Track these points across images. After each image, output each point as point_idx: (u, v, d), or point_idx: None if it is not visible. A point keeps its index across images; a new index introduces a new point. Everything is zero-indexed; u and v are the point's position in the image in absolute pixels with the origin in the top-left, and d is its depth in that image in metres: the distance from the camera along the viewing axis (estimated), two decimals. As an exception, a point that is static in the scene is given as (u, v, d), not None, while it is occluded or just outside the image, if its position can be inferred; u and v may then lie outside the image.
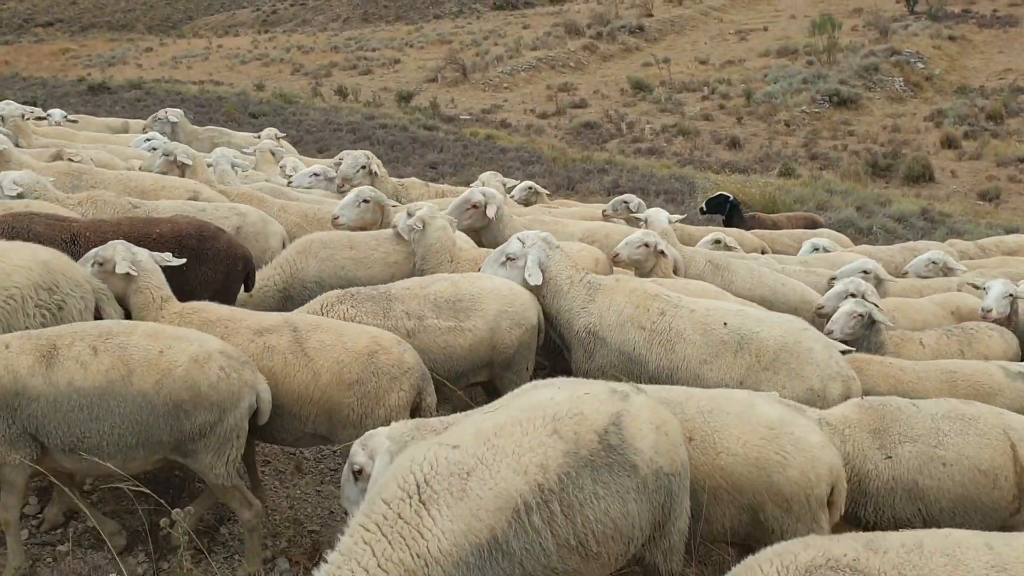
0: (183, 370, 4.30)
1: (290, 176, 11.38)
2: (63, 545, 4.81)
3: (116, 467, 4.31)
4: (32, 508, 5.16)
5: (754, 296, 7.61)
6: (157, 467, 4.60)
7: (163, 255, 5.51)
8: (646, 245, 7.27)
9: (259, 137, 14.48)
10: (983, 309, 7.51)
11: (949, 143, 28.26)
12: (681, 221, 9.67)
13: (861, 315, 6.54)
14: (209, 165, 9.96)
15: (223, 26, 73.35)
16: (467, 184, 10.35)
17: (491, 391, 6.04)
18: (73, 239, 5.75)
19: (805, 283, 8.22)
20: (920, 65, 37.70)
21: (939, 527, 4.65)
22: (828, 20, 40.65)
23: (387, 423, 4.34)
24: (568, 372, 6.00)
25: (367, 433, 4.23)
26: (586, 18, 52.97)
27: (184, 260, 5.64)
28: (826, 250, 10.26)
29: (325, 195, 10.26)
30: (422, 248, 6.81)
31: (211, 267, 6.04)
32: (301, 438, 5.06)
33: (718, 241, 9.70)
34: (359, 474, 4.10)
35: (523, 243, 6.15)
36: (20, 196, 6.64)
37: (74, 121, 14.43)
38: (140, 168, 9.02)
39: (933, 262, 9.45)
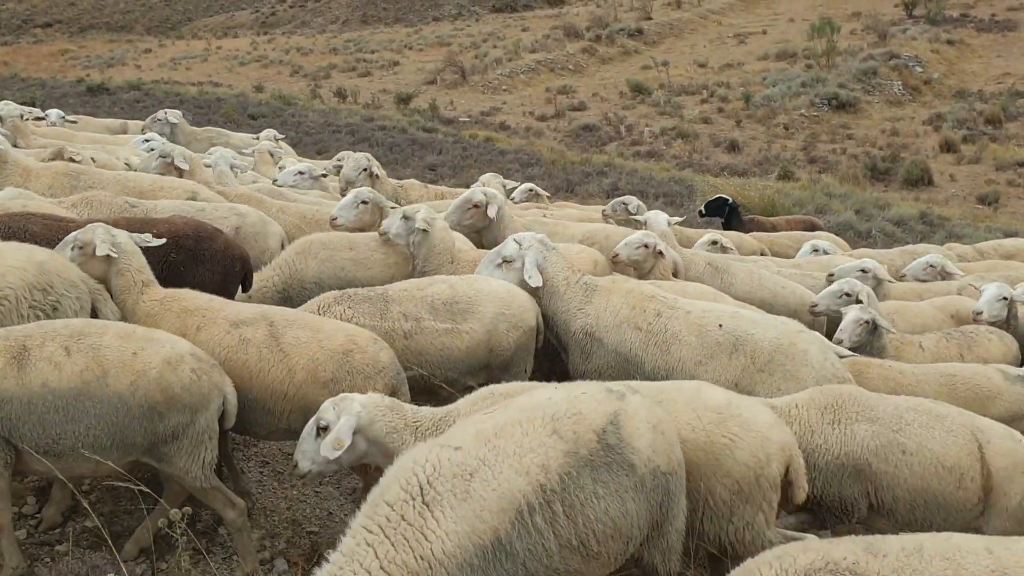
0: (157, 372, 4.28)
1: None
2: (61, 545, 4.79)
3: (88, 470, 4.28)
4: (31, 508, 5.15)
5: (754, 299, 7.60)
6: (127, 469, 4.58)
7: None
8: (645, 246, 7.27)
9: (257, 138, 14.48)
10: (974, 312, 7.52)
11: (948, 147, 28.32)
12: (680, 223, 9.67)
13: (867, 321, 6.55)
14: (208, 166, 9.95)
15: (222, 28, 73.38)
16: (466, 186, 10.35)
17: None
18: (70, 239, 5.72)
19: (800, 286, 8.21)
20: (919, 69, 37.78)
21: (892, 517, 4.71)
22: (827, 24, 40.72)
23: None
24: (565, 374, 6.01)
25: (342, 395, 4.30)
26: (585, 21, 53.06)
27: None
28: (826, 252, 10.25)
29: (322, 196, 10.26)
30: (424, 250, 6.79)
31: (208, 268, 6.02)
32: (275, 432, 5.07)
33: (714, 242, 9.69)
34: (323, 430, 4.15)
35: (520, 245, 6.15)
36: None
37: (73, 122, 14.42)
38: (136, 168, 9.00)
39: (931, 265, 9.46)
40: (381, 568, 3.07)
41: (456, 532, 3.16)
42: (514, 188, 12.06)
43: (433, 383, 5.54)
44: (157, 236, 5.84)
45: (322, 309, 5.61)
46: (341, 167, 11.71)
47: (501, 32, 54.54)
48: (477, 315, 5.73)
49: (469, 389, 5.96)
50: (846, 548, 3.30)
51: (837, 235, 13.00)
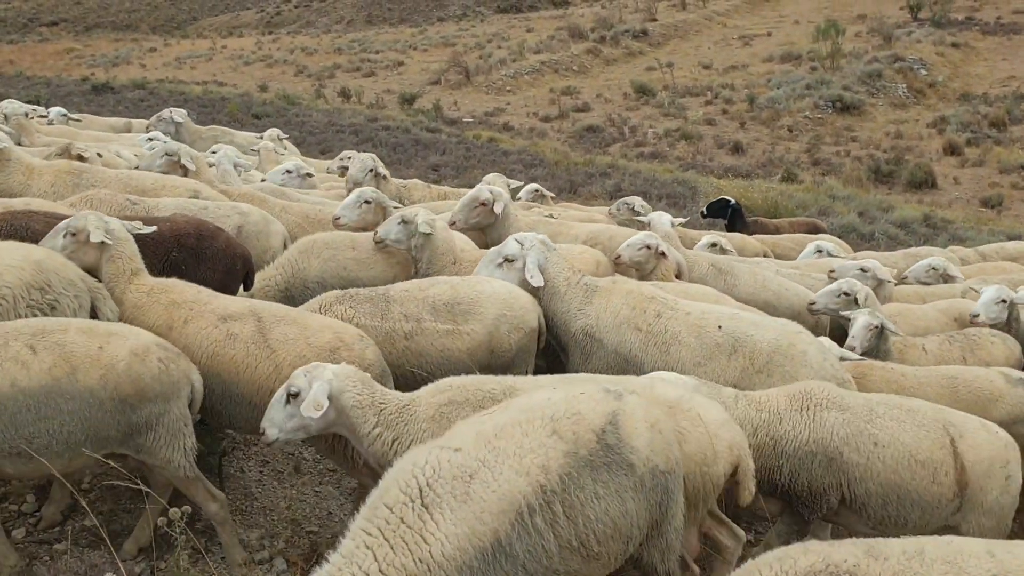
0: (125, 364, 4.27)
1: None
2: (60, 544, 4.79)
3: (61, 467, 4.25)
4: (30, 506, 5.15)
5: (757, 300, 7.60)
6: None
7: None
8: (648, 247, 7.26)
9: (261, 137, 14.48)
10: (971, 314, 7.50)
11: (952, 150, 28.27)
12: (683, 225, 9.67)
13: (877, 326, 6.57)
14: (211, 165, 9.95)
15: (227, 27, 73.45)
16: (469, 186, 10.34)
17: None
18: (72, 237, 5.70)
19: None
20: (923, 72, 37.72)
21: (864, 512, 4.70)
22: (832, 26, 40.70)
23: None
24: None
25: (313, 363, 4.33)
26: (590, 22, 53.04)
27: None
28: (830, 253, 10.25)
29: (325, 195, 10.26)
30: (427, 253, 6.78)
31: (210, 266, 6.02)
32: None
33: (714, 244, 9.69)
34: (294, 397, 4.18)
35: (521, 245, 6.14)
36: None
37: (77, 120, 14.41)
38: (138, 167, 8.99)
39: (933, 268, 9.44)
40: (379, 571, 3.07)
41: (456, 535, 3.15)
42: (519, 188, 12.05)
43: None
44: (159, 234, 5.84)
45: (323, 308, 5.61)
46: (345, 166, 11.73)
47: (506, 33, 54.55)
48: (478, 316, 5.71)
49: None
50: (847, 551, 3.29)
51: (840, 237, 12.99)
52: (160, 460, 4.46)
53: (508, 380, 4.55)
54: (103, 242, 5.15)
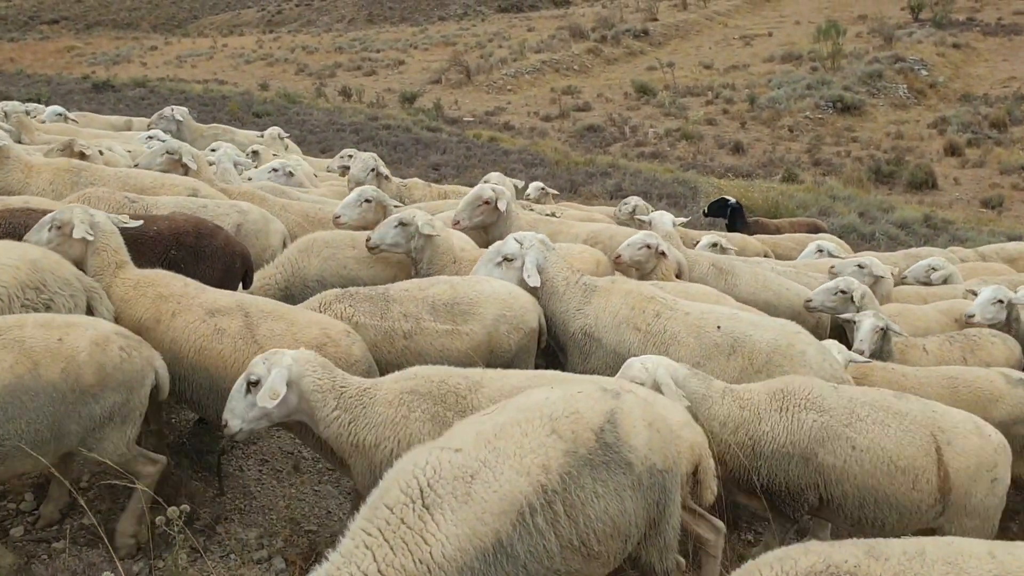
0: (86, 354, 4.22)
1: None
2: (59, 542, 4.77)
3: (28, 468, 4.21)
4: (28, 505, 5.13)
5: (758, 300, 7.59)
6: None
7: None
8: (648, 247, 7.26)
9: (262, 136, 14.47)
10: (967, 314, 7.49)
11: (952, 150, 28.29)
12: (684, 224, 9.67)
13: (882, 328, 6.57)
14: (211, 164, 9.94)
15: (228, 25, 73.45)
16: (470, 186, 10.34)
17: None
18: (69, 235, 5.69)
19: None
20: (924, 72, 37.74)
21: (841, 513, 4.67)
22: (833, 26, 40.72)
23: None
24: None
25: (272, 350, 4.32)
26: (591, 21, 53.06)
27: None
28: (831, 253, 10.26)
29: (325, 194, 10.25)
30: (429, 252, 6.76)
31: (209, 264, 6.01)
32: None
33: (715, 244, 9.69)
34: (254, 385, 4.16)
35: (521, 244, 6.13)
36: None
37: (74, 121, 14.35)
38: (136, 165, 8.97)
39: (933, 268, 9.43)
40: (379, 571, 3.05)
41: (456, 535, 3.14)
42: (524, 186, 12.04)
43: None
44: (158, 233, 5.83)
45: (323, 307, 5.60)
46: (345, 165, 11.73)
47: (507, 32, 54.56)
48: (478, 316, 5.69)
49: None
50: (848, 551, 3.28)
51: (841, 238, 12.97)
52: (107, 452, 4.38)
53: (475, 375, 4.52)
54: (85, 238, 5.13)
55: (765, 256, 10.53)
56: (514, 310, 5.78)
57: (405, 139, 25.81)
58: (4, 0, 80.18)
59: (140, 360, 4.43)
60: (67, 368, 4.16)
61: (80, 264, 5.18)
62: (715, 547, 4.59)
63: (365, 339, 5.45)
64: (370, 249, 6.77)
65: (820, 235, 12.29)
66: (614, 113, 34.72)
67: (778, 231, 13.25)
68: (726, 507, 4.98)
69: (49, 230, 5.20)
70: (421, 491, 3.21)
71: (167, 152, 9.04)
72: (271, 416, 4.25)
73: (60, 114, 14.09)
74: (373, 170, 9.39)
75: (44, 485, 5.12)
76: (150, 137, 11.78)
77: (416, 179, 11.20)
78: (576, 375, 4.67)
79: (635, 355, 5.57)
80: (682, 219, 9.02)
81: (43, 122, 13.57)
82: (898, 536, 4.08)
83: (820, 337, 7.13)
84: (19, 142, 9.41)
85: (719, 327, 5.63)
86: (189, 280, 5.31)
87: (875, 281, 8.03)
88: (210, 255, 6.05)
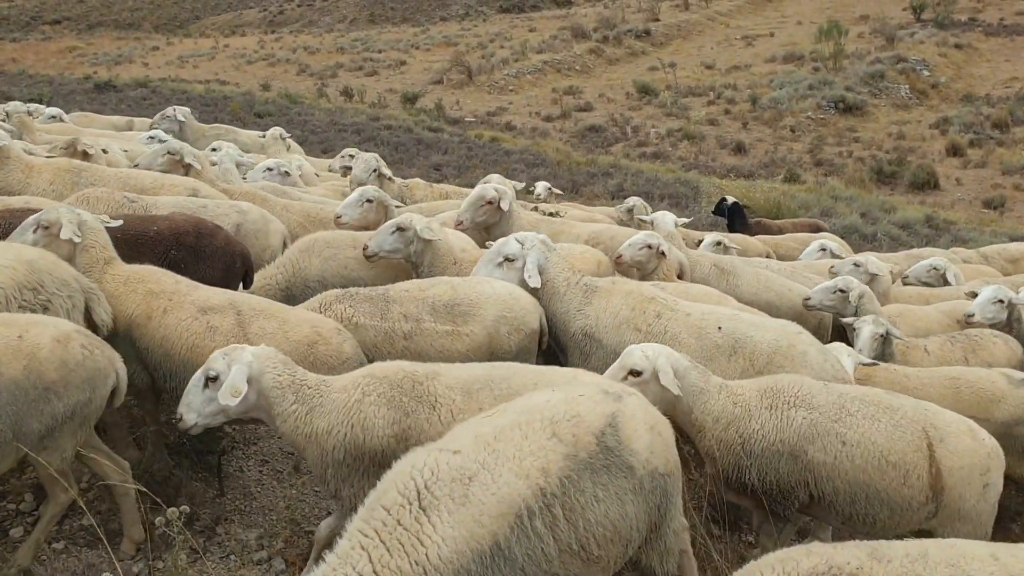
0: (48, 351, 4.14)
1: (297, 173, 11.40)
2: (58, 543, 4.77)
3: None
4: (28, 505, 5.12)
5: (760, 300, 7.58)
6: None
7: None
8: (648, 247, 7.25)
9: (263, 136, 14.47)
10: (967, 314, 7.47)
11: (954, 151, 28.28)
12: (686, 225, 9.67)
13: (882, 334, 6.56)
14: (213, 163, 9.93)
15: (230, 26, 73.48)
16: (470, 186, 10.34)
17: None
18: (70, 236, 5.68)
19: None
20: (926, 73, 37.72)
21: (832, 510, 4.62)
22: (835, 27, 40.71)
23: None
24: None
25: (232, 345, 4.30)
26: (592, 22, 53.07)
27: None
28: (833, 252, 10.26)
29: (326, 194, 10.24)
30: (429, 256, 6.74)
31: (209, 264, 6.00)
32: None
33: (718, 243, 9.69)
34: (212, 381, 4.15)
35: (522, 244, 6.11)
36: None
37: (64, 123, 14.26)
38: (137, 165, 8.96)
39: (935, 268, 9.41)
40: (374, 572, 3.04)
41: (453, 538, 3.12)
42: (521, 189, 12.03)
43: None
44: (158, 233, 5.82)
45: (323, 307, 5.59)
46: (347, 165, 11.72)
47: (508, 32, 54.56)
48: (478, 317, 5.67)
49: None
50: (850, 553, 3.26)
51: (842, 238, 12.94)
52: (55, 455, 4.27)
53: (434, 365, 4.52)
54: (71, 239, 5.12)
55: (767, 257, 10.52)
56: (515, 311, 5.76)
57: (407, 139, 25.80)
58: (6, 0, 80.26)
59: (102, 358, 4.36)
60: (29, 365, 4.09)
61: (67, 263, 5.15)
62: (684, 541, 4.50)
63: (365, 340, 5.44)
64: (368, 258, 6.70)
65: (822, 235, 12.28)
66: (616, 113, 34.71)
67: (780, 232, 13.24)
68: (727, 507, 4.97)
69: (34, 231, 5.19)
70: (418, 493, 3.20)
71: (168, 152, 9.03)
72: (228, 412, 4.22)
73: (54, 116, 14.07)
74: (375, 170, 9.39)
75: (43, 486, 5.11)
76: (151, 137, 11.77)
77: (417, 179, 11.20)
78: (538, 367, 4.60)
79: (636, 356, 5.59)
80: (684, 219, 9.02)
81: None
82: (891, 536, 4.08)
83: (822, 338, 7.13)
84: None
85: (720, 328, 5.62)
86: (180, 277, 5.30)
87: (871, 279, 8.02)
88: (210, 255, 6.03)
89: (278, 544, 5.09)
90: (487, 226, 7.56)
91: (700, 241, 10.06)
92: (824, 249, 10.45)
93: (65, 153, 8.91)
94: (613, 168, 23.26)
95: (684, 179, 22.22)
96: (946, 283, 9.27)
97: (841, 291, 7.26)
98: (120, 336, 5.05)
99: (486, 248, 6.76)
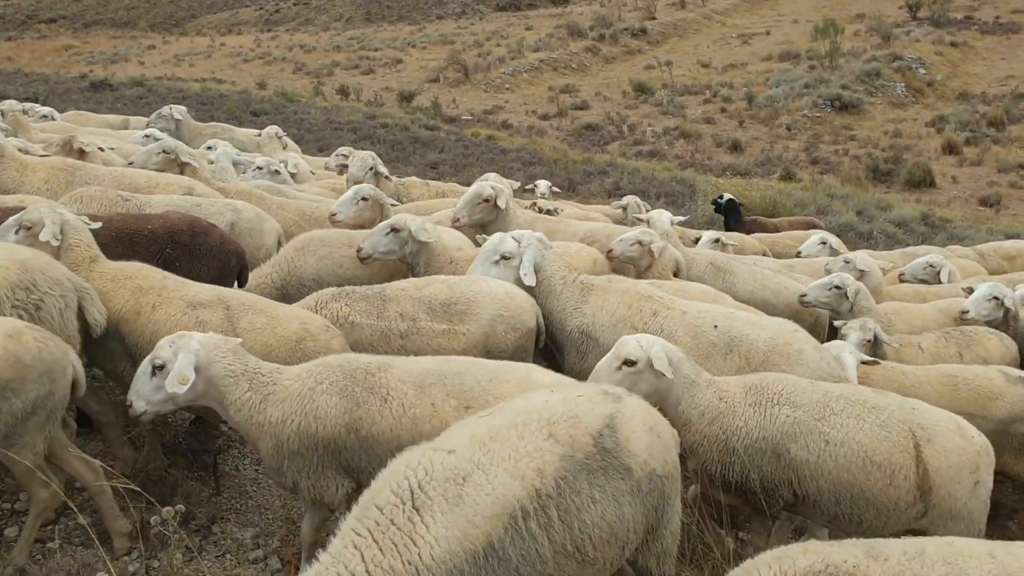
0: (0, 348, 4.07)
1: (293, 172, 11.38)
2: (53, 542, 4.76)
3: None
4: (23, 504, 5.11)
5: (755, 299, 7.58)
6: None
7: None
8: (639, 243, 7.28)
9: (259, 135, 14.44)
10: (961, 310, 7.47)
11: (950, 149, 28.28)
12: (682, 224, 9.68)
13: (870, 340, 6.57)
14: (210, 162, 9.91)
15: (226, 24, 73.38)
16: (467, 184, 10.32)
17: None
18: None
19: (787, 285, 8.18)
20: (922, 71, 37.75)
21: (817, 509, 4.60)
22: (831, 25, 40.72)
23: None
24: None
25: (179, 333, 4.30)
26: (589, 20, 53.05)
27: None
28: (832, 247, 10.28)
29: (321, 192, 10.23)
30: (425, 257, 6.72)
31: (204, 263, 5.99)
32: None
33: (717, 240, 9.71)
34: (159, 369, 4.15)
35: (518, 242, 6.10)
36: None
37: (54, 119, 14.19)
38: (131, 163, 8.92)
39: (930, 265, 9.41)
40: (367, 571, 3.03)
41: (446, 538, 3.11)
42: (517, 188, 12.03)
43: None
44: (153, 231, 5.80)
45: (319, 306, 5.58)
46: (343, 164, 11.69)
47: (505, 31, 54.54)
48: (475, 316, 5.66)
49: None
50: (847, 551, 3.26)
51: (838, 236, 12.89)
52: (22, 451, 4.20)
53: (387, 357, 4.53)
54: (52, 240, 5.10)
55: (764, 255, 10.53)
56: (511, 310, 5.75)
57: (403, 138, 25.77)
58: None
59: (57, 350, 4.30)
60: None
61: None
62: None
63: (361, 339, 5.43)
64: (362, 259, 6.67)
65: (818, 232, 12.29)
66: (612, 112, 34.70)
67: (776, 230, 13.25)
68: (725, 506, 4.96)
69: (16, 232, 5.17)
70: (412, 492, 3.19)
71: (163, 151, 8.99)
72: (176, 400, 4.23)
73: (45, 116, 14.02)
74: (371, 169, 9.37)
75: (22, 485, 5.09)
76: (146, 136, 11.73)
77: (414, 178, 11.19)
78: (494, 363, 4.58)
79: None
80: (680, 217, 9.03)
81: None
82: (879, 535, 4.07)
83: (818, 336, 7.13)
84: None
85: (716, 326, 5.62)
86: (167, 273, 5.31)
87: (861, 275, 8.04)
88: (205, 253, 6.02)
89: (274, 543, 5.08)
90: (483, 224, 7.55)
91: (697, 239, 10.07)
92: (824, 243, 10.47)
93: (61, 152, 8.88)
94: (609, 166, 23.25)
95: (680, 177, 22.22)
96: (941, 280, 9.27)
97: (837, 288, 7.27)
98: (109, 333, 5.03)
99: (478, 243, 6.76)
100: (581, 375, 5.64)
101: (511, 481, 3.28)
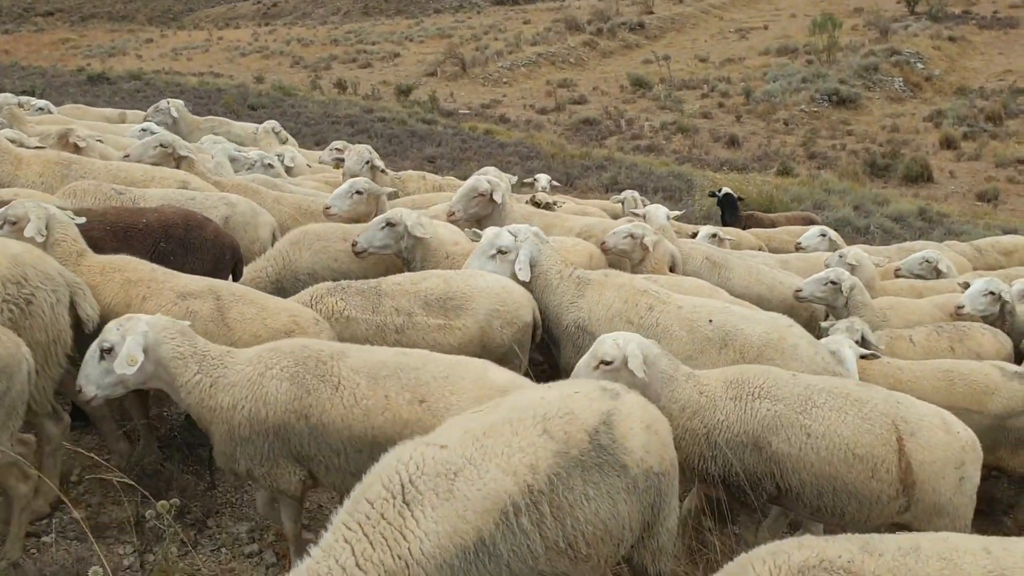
0: None
1: (290, 166, 11.36)
2: (47, 536, 4.75)
3: None
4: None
5: (751, 293, 7.58)
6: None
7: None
8: (632, 236, 7.30)
9: (258, 130, 14.41)
10: (957, 305, 7.47)
11: (948, 144, 28.30)
12: (678, 218, 9.68)
13: (858, 341, 6.54)
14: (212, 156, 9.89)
15: (223, 18, 73.25)
16: (464, 179, 10.32)
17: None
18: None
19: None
20: (920, 65, 37.73)
21: (800, 502, 4.58)
22: (828, 19, 40.71)
23: None
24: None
25: (127, 315, 4.28)
26: (587, 14, 53.02)
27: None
28: (832, 241, 10.30)
29: (317, 186, 10.21)
30: (421, 252, 6.70)
31: (198, 256, 5.97)
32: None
33: (714, 235, 9.72)
34: (108, 352, 4.13)
35: (515, 237, 6.09)
36: None
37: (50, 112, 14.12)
38: (126, 157, 8.88)
39: (927, 260, 9.40)
40: (357, 566, 3.02)
41: (436, 532, 3.10)
42: (515, 182, 12.01)
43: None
44: (147, 225, 5.79)
45: (315, 300, 5.57)
46: (339, 158, 11.67)
47: (502, 24, 54.48)
48: (471, 311, 5.64)
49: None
50: (841, 546, 3.24)
51: (835, 231, 12.94)
52: None
53: (342, 345, 4.51)
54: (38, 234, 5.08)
55: (760, 250, 10.53)
56: (508, 304, 5.74)
57: (400, 132, 25.74)
58: (-2, -8, 79.91)
59: (11, 344, 4.21)
60: None
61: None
62: None
63: (356, 334, 5.42)
64: (357, 254, 6.64)
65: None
66: (610, 106, 34.70)
67: (773, 225, 13.26)
68: (718, 500, 4.95)
69: (1, 227, 5.14)
70: (402, 487, 3.17)
71: (160, 144, 8.96)
72: (127, 383, 4.21)
73: (41, 108, 13.97)
74: (368, 162, 9.36)
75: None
76: (143, 130, 11.69)
77: (411, 171, 11.18)
78: (452, 357, 4.55)
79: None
80: (676, 212, 9.03)
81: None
82: (868, 529, 4.05)
83: (813, 330, 7.12)
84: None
85: (711, 321, 5.61)
86: (156, 266, 5.30)
87: (852, 269, 8.05)
88: (199, 247, 6.00)
89: (269, 537, 5.08)
90: (479, 218, 7.53)
91: (694, 234, 10.07)
92: (824, 235, 10.49)
93: (57, 145, 8.85)
94: (607, 161, 23.25)
95: (678, 172, 22.23)
96: (939, 275, 9.26)
97: (832, 283, 7.26)
98: (99, 327, 5.01)
99: (473, 238, 6.74)
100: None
101: (503, 476, 3.26)
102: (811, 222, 13.44)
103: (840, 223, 16.16)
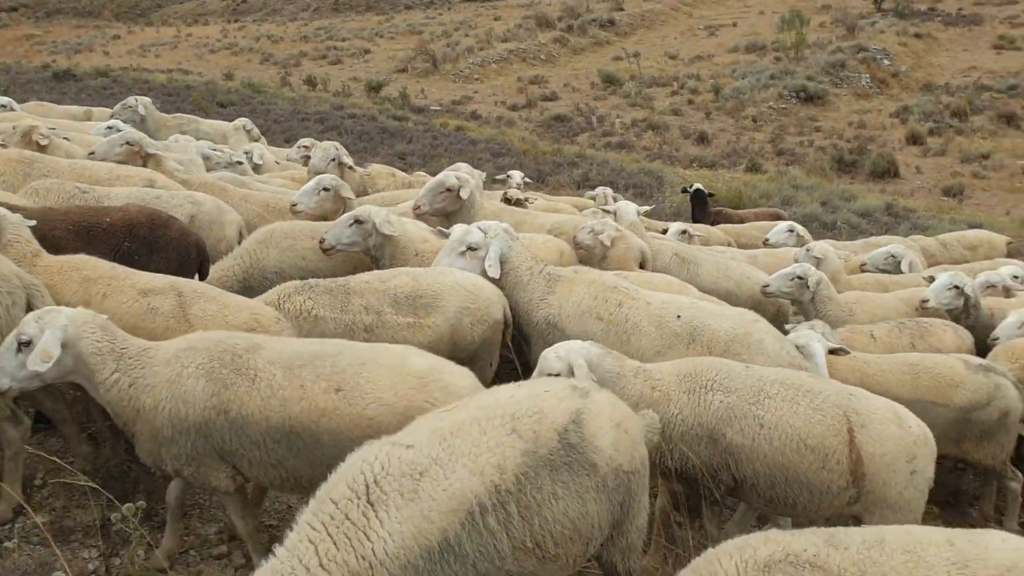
0: None
1: (258, 163, 11.28)
2: (10, 541, 4.69)
3: None
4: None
5: (719, 289, 7.62)
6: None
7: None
8: (593, 231, 7.36)
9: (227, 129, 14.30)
10: (921, 299, 7.54)
11: (914, 139, 28.63)
12: (648, 215, 9.72)
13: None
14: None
15: (192, 14, 72.57)
16: (435, 175, 10.29)
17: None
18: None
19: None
20: (887, 62, 38.12)
21: (755, 492, 4.62)
22: (796, 16, 41.06)
23: None
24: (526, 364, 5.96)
25: (47, 308, 4.23)
26: (557, 11, 53.06)
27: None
28: (800, 236, 10.38)
29: (285, 184, 10.14)
30: (390, 250, 6.66)
31: (163, 255, 5.91)
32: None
33: (684, 231, 9.78)
34: (25, 345, 4.04)
35: (485, 233, 6.08)
36: None
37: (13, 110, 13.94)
38: (92, 155, 8.76)
39: (892, 255, 9.49)
40: (320, 566, 3.01)
41: (400, 533, 3.08)
42: (485, 179, 12.01)
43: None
44: (111, 224, 5.72)
45: (282, 299, 5.51)
46: (306, 155, 11.59)
47: (473, 21, 54.42)
48: (440, 309, 5.61)
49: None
50: (807, 540, 3.27)
51: (803, 226, 13.05)
52: None
53: (258, 337, 4.47)
54: None
55: (728, 246, 10.60)
56: (478, 302, 5.72)
57: (371, 128, 25.65)
58: (-39, -12, 78.69)
59: None
60: None
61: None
62: None
63: (325, 332, 5.38)
64: (325, 251, 6.56)
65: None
66: (581, 103, 34.77)
67: (741, 221, 13.35)
68: (683, 494, 4.97)
69: None
70: (367, 487, 3.16)
71: (127, 142, 8.84)
72: (43, 377, 4.11)
73: (4, 105, 13.76)
74: (334, 159, 9.27)
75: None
76: (109, 128, 11.56)
77: (380, 167, 11.08)
78: (370, 345, 4.54)
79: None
80: (646, 208, 9.07)
81: None
82: (814, 519, 4.07)
83: (780, 325, 7.16)
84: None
85: (679, 316, 5.64)
86: (116, 264, 5.25)
87: (817, 263, 8.14)
88: (164, 246, 5.94)
89: (238, 539, 5.03)
90: (447, 214, 7.50)
91: (664, 230, 10.12)
92: (792, 230, 10.57)
93: (20, 143, 8.72)
94: (579, 158, 23.30)
95: (648, 169, 22.32)
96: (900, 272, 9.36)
97: (799, 278, 7.32)
98: None
99: (438, 233, 6.72)
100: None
101: (469, 476, 3.25)
102: (779, 218, 13.56)
103: (808, 219, 16.28)
